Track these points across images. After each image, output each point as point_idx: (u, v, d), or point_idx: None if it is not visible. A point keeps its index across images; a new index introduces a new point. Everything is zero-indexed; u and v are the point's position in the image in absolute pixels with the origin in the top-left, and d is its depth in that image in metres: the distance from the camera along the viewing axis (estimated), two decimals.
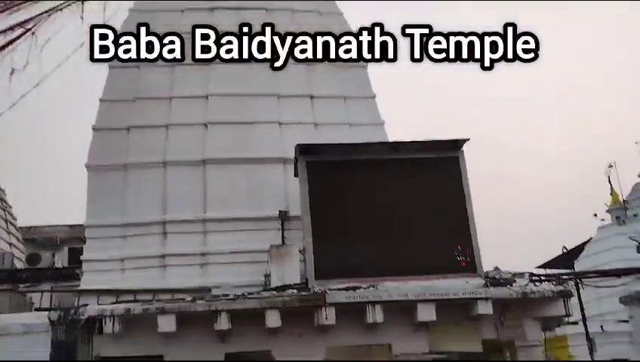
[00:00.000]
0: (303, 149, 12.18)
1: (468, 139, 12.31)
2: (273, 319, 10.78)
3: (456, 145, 12.46)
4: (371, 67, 15.25)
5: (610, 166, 28.07)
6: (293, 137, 13.31)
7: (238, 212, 13.44)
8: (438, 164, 12.48)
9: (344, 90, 14.82)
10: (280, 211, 13.32)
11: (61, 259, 19.90)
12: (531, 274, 11.99)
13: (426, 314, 11.12)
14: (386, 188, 12.32)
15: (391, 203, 12.20)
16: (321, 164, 12.26)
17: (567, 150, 74.71)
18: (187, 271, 13.01)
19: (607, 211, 29.11)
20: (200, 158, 13.81)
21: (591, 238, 29.25)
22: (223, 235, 13.27)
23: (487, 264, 12.31)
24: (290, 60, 14.67)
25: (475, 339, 11.52)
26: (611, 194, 29.01)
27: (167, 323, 10.65)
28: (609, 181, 28.57)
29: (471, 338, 11.51)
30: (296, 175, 12.64)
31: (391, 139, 14.22)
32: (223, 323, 10.67)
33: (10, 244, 25.04)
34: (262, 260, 12.59)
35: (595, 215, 29.13)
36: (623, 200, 29.54)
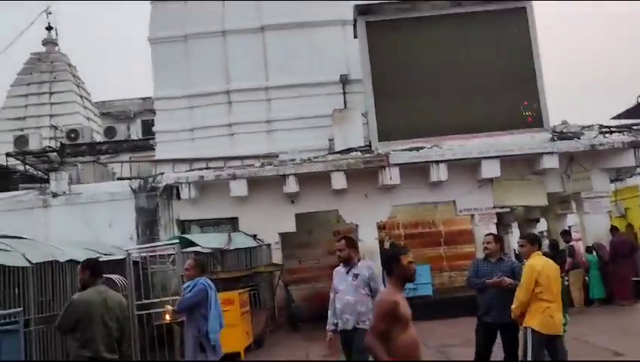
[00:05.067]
0: (361, 9, 11.84)
1: None
2: (339, 180, 11.15)
3: None
4: None
5: None
6: None
7: (300, 78, 13.47)
8: (504, 17, 11.90)
9: None
10: (341, 75, 13.26)
11: (135, 131, 20.77)
12: (601, 126, 11.68)
13: (490, 170, 11.20)
14: (449, 44, 11.94)
15: (454, 60, 11.87)
16: (380, 24, 11.91)
17: None
18: (254, 138, 13.41)
19: None
20: (258, 25, 13.70)
21: None
22: (286, 102, 13.45)
23: (555, 118, 12.11)
24: None
25: (540, 193, 11.60)
26: None
27: (239, 188, 11.24)
28: None
29: (536, 192, 11.59)
30: (355, 36, 12.40)
31: None
32: (291, 186, 11.15)
33: (88, 119, 26.26)
34: (325, 125, 12.76)
35: None
36: None
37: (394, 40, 11.96)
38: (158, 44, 13.82)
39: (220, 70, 13.72)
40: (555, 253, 10.76)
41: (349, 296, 4.94)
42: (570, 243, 11.13)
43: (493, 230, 11.46)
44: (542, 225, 16.36)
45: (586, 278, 11.03)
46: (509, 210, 12.61)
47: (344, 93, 13.31)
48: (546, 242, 12.09)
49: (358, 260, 5.05)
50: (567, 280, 10.33)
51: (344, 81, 13.30)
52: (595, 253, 11.18)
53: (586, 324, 8.52)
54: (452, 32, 11.98)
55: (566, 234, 11.44)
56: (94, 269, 4.28)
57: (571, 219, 15.29)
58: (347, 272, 5.02)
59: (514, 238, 16.54)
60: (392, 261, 3.42)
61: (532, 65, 11.72)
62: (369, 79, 11.81)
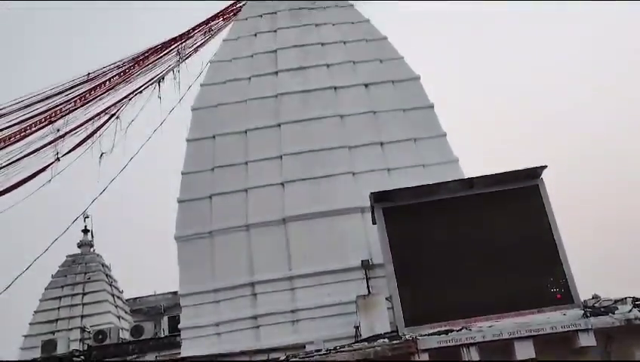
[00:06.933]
0: (377, 197, 12.25)
1: (546, 166, 11.96)
2: None
3: (535, 173, 12.13)
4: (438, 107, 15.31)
5: None
6: (368, 185, 13.46)
7: (323, 265, 13.60)
8: (518, 195, 12.15)
9: (413, 132, 14.90)
10: (362, 261, 13.37)
11: (163, 328, 20.72)
12: (634, 299, 11.28)
13: (525, 351, 10.66)
14: (467, 225, 12.10)
15: (473, 240, 11.94)
16: (397, 209, 12.24)
17: None
18: (280, 330, 13.22)
19: None
20: (280, 217, 14.17)
21: None
22: (311, 290, 13.45)
23: (585, 292, 11.81)
24: (359, 110, 15.09)
25: None
26: None
27: None
28: None
29: None
30: (374, 222, 12.69)
31: (467, 174, 14.07)
32: None
33: (119, 317, 26.41)
34: (351, 311, 12.62)
35: None
36: None
37: (412, 224, 12.19)
38: (184, 242, 14.27)
39: (244, 263, 13.97)
40: None
41: None
42: None
43: None
44: None
45: None
46: None
47: (367, 279, 13.29)
48: None
49: None
50: None
51: (366, 266, 13.37)
52: None
53: None
54: (469, 212, 12.19)
55: None
56: None
57: None
58: None
59: None
60: None
61: (553, 240, 11.70)
62: (390, 264, 11.85)
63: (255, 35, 17.06)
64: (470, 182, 12.25)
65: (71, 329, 23.89)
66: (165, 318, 21.46)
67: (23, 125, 16.62)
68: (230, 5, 19.53)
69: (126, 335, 20.65)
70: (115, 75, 17.99)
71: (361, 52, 16.36)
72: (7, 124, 16.56)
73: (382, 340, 11.31)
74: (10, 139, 16.29)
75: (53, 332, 23.33)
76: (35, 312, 24.69)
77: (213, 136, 15.17)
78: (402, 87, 15.65)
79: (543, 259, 11.64)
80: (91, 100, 17.88)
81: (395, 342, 11.12)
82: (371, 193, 12.27)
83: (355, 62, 16.06)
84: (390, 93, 15.55)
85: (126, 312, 27.31)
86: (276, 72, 15.97)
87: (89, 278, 26.34)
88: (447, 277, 11.70)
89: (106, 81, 17.86)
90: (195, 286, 13.86)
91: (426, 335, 10.99)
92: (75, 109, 17.25)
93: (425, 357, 10.69)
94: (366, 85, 15.67)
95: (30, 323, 24.29)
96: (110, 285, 26.95)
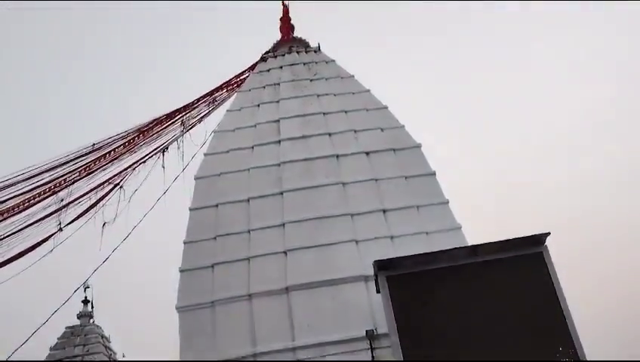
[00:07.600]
0: (381, 265, 12.17)
1: (549, 233, 11.93)
2: None
3: (538, 240, 12.09)
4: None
5: None
6: (371, 253, 13.42)
7: (327, 336, 13.33)
8: (522, 262, 12.06)
9: (415, 199, 14.96)
10: (367, 330, 13.12)
11: None
12: None
13: None
14: (472, 293, 11.95)
15: (479, 309, 11.77)
16: (401, 278, 12.13)
17: None
18: None
19: None
20: (283, 286, 14.02)
21: None
22: None
23: (591, 356, 11.47)
24: (361, 177, 15.20)
25: None
26: None
27: None
28: None
29: None
30: (378, 291, 12.55)
31: (471, 240, 14.03)
32: None
33: None
34: None
35: None
36: None
37: (417, 292, 12.04)
38: (185, 312, 14.06)
39: (246, 333, 13.70)
40: None
41: None
42: None
43: None
44: None
45: None
46: None
47: (372, 349, 13.00)
48: None
49: None
50: None
51: (371, 336, 13.11)
52: None
53: None
54: (473, 280, 12.06)
55: None
56: None
57: None
58: None
59: None
60: None
61: (560, 309, 11.52)
62: (395, 333, 11.63)
63: (258, 105, 17.45)
64: (474, 249, 12.19)
65: None
66: None
67: (27, 196, 16.72)
68: (234, 77, 20.05)
69: None
70: (119, 145, 18.25)
71: (362, 121, 16.67)
72: (11, 195, 16.68)
73: None
74: (13, 209, 16.36)
75: None
76: None
77: (216, 205, 15.24)
78: (403, 154, 15.85)
79: (550, 328, 11.41)
80: (95, 170, 18.06)
81: None
82: (374, 261, 12.20)
83: (357, 130, 16.32)
84: (391, 161, 15.73)
85: None
86: (279, 141, 16.21)
87: (87, 351, 25.84)
88: (454, 347, 11.43)
89: (110, 151, 18.10)
90: (195, 357, 13.54)
91: None
92: (79, 179, 17.41)
93: None
94: (367, 153, 15.87)
95: None
96: (109, 358, 26.42)
